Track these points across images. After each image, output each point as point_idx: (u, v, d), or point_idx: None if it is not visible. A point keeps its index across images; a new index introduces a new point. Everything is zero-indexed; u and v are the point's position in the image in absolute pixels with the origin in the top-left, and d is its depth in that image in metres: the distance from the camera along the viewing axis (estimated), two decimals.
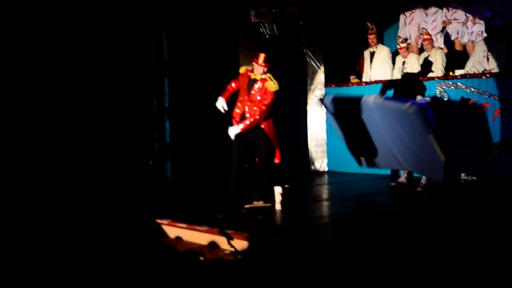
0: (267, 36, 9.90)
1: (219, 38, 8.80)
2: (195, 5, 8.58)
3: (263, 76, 6.19)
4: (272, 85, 6.15)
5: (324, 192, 8.07)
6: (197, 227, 5.62)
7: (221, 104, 6.32)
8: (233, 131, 6.19)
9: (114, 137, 7.64)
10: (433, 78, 9.22)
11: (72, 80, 7.33)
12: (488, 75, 8.63)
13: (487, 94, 8.50)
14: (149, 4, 8.07)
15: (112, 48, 7.71)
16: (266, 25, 9.90)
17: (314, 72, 10.07)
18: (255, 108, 6.17)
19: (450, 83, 8.97)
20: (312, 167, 10.11)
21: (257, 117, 6.15)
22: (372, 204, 6.98)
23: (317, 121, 10.09)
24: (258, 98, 6.18)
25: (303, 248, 4.85)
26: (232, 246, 4.57)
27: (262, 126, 6.26)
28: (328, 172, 9.85)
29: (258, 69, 6.21)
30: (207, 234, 5.48)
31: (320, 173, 9.84)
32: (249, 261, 4.90)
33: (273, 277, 4.37)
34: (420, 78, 9.18)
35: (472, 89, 8.67)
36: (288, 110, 10.27)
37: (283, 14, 9.90)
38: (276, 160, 6.46)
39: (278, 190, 6.50)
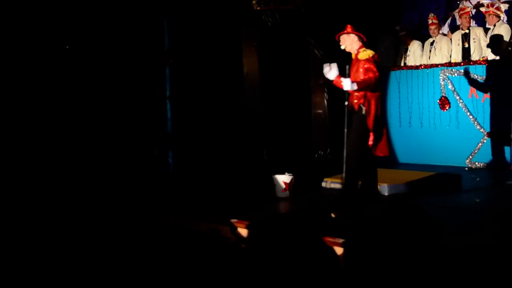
0: (269, 24, 9.83)
1: (221, 26, 8.73)
2: None
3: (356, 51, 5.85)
4: (363, 53, 5.76)
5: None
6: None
7: None
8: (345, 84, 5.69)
9: (116, 127, 7.60)
10: (436, 65, 9.18)
11: (74, 69, 7.29)
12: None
13: (489, 80, 8.47)
14: None
15: (114, 37, 7.66)
16: (269, 13, 9.83)
17: (317, 61, 10.01)
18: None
19: (454, 70, 8.93)
20: (316, 155, 10.05)
21: (366, 81, 5.62)
22: None
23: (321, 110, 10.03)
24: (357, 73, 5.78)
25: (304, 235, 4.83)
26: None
27: (364, 107, 5.80)
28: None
29: (351, 43, 5.90)
30: None
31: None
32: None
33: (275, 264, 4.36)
34: (423, 66, 9.14)
35: (476, 76, 8.63)
36: (289, 101, 10.20)
37: (285, 2, 9.82)
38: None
39: (282, 178, 6.47)
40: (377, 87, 5.78)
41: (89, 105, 7.32)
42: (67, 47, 7.27)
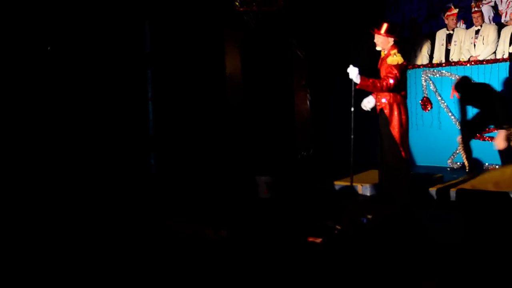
0: (252, 25, 9.81)
1: (203, 27, 8.70)
2: None
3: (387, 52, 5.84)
4: (392, 59, 5.74)
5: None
6: None
7: None
8: (352, 73, 5.77)
9: (97, 128, 7.55)
10: (418, 66, 9.23)
11: (54, 71, 7.22)
12: (473, 63, 8.65)
13: (472, 81, 8.51)
14: None
15: (95, 39, 7.60)
16: (251, 14, 9.81)
17: (300, 63, 10.01)
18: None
19: (435, 71, 8.98)
20: (299, 156, 10.05)
21: (377, 84, 5.70)
22: None
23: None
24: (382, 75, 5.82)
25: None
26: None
27: (386, 111, 5.86)
28: None
29: (383, 43, 5.88)
30: None
31: None
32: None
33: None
34: (410, 67, 9.16)
35: (457, 77, 8.68)
36: (272, 102, 10.19)
37: (268, 3, 9.81)
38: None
39: (264, 179, 6.47)
40: (397, 90, 5.79)
41: (69, 107, 7.26)
42: (49, 48, 7.21)
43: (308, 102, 9.82)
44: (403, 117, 5.83)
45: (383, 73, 5.78)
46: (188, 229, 5.42)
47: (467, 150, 7.76)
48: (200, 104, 8.21)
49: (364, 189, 6.83)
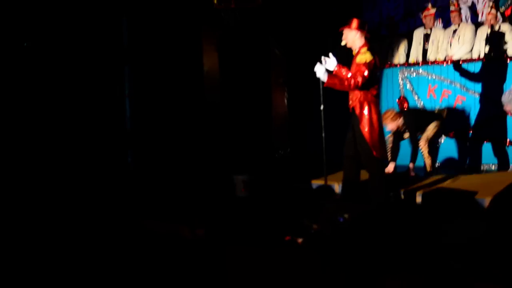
0: (230, 22, 9.79)
1: (181, 24, 8.66)
2: None
3: (357, 49, 5.74)
4: (361, 57, 5.63)
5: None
6: None
7: None
8: (319, 71, 5.67)
9: (74, 125, 7.49)
10: (395, 65, 9.28)
11: (29, 67, 7.14)
12: (449, 62, 8.72)
13: (448, 80, 8.58)
14: None
15: (72, 35, 7.53)
16: (229, 11, 9.78)
17: (278, 61, 10.02)
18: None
19: (412, 70, 9.03)
20: (276, 155, 10.06)
21: (344, 82, 5.61)
22: None
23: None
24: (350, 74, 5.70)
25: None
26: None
27: (356, 110, 5.78)
28: None
29: (352, 40, 5.77)
30: None
31: None
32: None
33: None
34: (387, 66, 9.19)
35: (434, 76, 8.75)
36: (249, 100, 10.18)
37: (247, 0, 9.79)
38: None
39: (241, 178, 6.46)
40: (367, 89, 5.71)
41: (45, 104, 7.19)
42: (25, 44, 7.13)
43: (285, 101, 9.84)
44: (374, 116, 5.74)
45: (352, 71, 5.69)
46: (165, 228, 5.40)
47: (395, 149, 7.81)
48: (177, 102, 8.17)
49: (341, 188, 6.83)
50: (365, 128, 5.70)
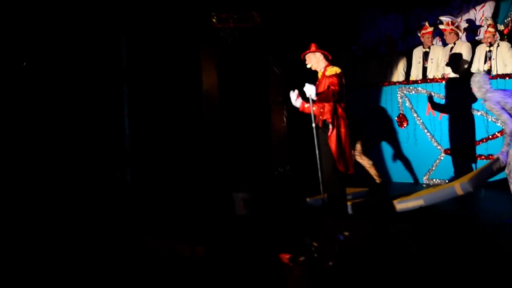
0: (229, 41, 9.81)
1: (180, 43, 8.69)
2: (155, 10, 8.48)
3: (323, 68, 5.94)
4: (331, 69, 5.84)
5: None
6: None
7: None
8: (310, 90, 5.77)
9: (74, 143, 7.49)
10: (394, 83, 9.29)
11: (30, 86, 7.16)
12: (446, 80, 8.74)
13: (447, 98, 8.60)
14: (107, 8, 7.94)
15: (71, 54, 7.56)
16: (228, 30, 9.81)
17: (276, 79, 10.02)
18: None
19: (411, 87, 9.05)
20: (275, 173, 10.03)
21: (328, 94, 5.71)
22: None
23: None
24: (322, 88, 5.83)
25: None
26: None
27: (325, 123, 5.88)
28: None
29: (317, 62, 5.99)
30: None
31: None
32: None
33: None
34: (386, 84, 9.19)
35: (433, 94, 8.76)
36: (248, 118, 10.17)
37: (245, 20, 9.82)
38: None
39: (241, 196, 6.44)
40: (338, 102, 5.84)
41: (45, 122, 7.19)
42: (24, 63, 7.14)
43: (285, 119, 9.82)
44: (342, 130, 5.84)
45: (325, 87, 5.80)
46: (164, 246, 5.37)
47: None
48: (176, 120, 8.18)
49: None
50: (333, 142, 5.81)
